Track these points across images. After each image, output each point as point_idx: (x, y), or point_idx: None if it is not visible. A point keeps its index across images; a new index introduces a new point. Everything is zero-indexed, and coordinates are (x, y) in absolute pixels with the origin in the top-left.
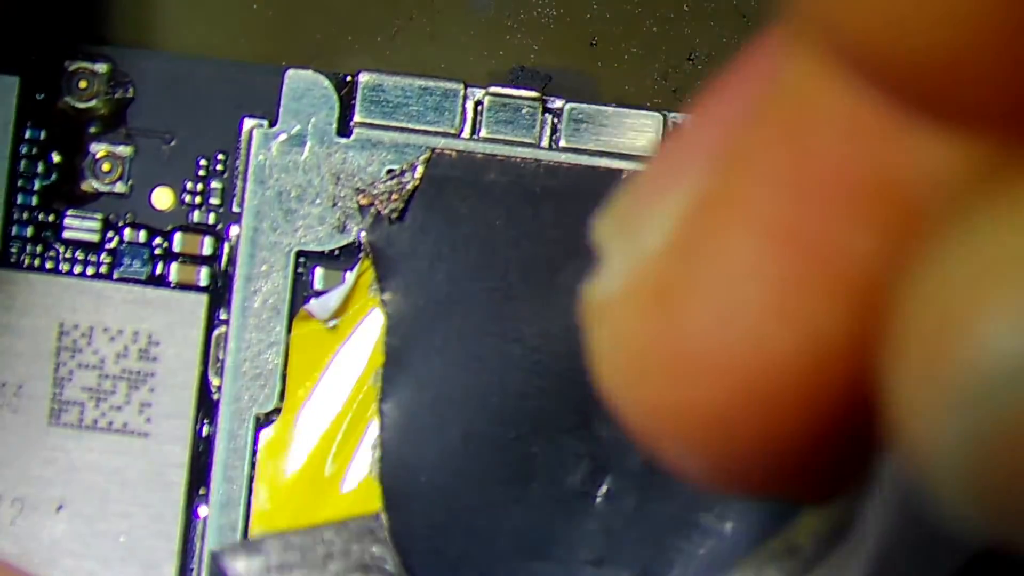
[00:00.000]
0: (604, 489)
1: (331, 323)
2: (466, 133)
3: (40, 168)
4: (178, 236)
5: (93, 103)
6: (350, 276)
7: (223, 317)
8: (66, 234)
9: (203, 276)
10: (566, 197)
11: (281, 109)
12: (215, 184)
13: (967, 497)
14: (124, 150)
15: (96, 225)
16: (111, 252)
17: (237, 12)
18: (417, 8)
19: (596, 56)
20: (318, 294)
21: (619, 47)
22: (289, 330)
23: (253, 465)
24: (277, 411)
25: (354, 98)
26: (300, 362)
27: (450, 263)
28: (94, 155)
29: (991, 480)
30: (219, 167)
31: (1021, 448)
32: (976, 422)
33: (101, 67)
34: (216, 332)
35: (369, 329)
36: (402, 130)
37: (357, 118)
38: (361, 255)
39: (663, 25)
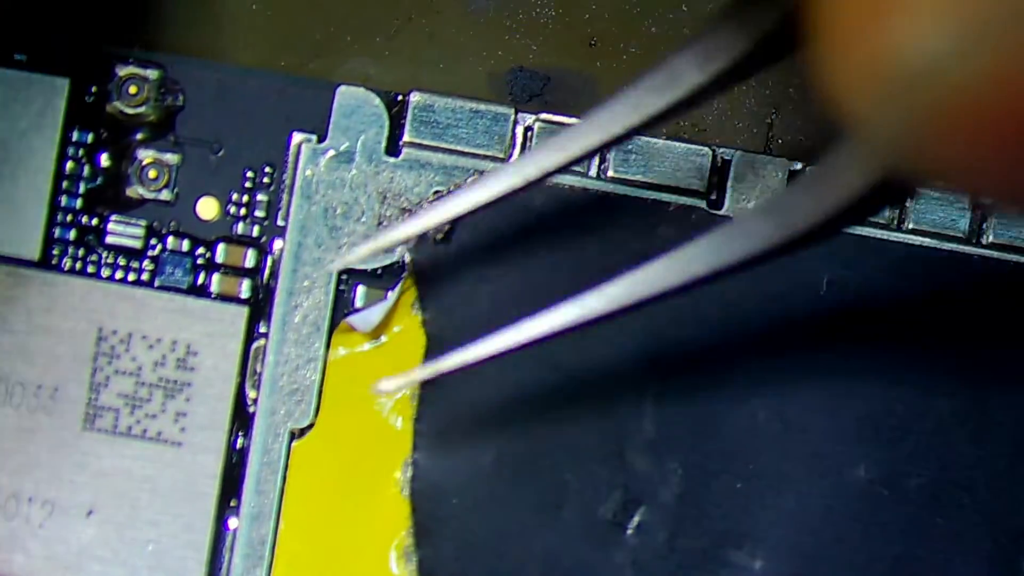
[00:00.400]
0: (636, 521)
1: (371, 340)
2: (515, 158)
3: (86, 171)
4: (221, 247)
5: (142, 109)
6: (392, 294)
7: (262, 330)
8: (109, 239)
9: (244, 288)
10: (611, 227)
11: (331, 125)
12: (261, 197)
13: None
14: (171, 158)
15: (139, 232)
16: (153, 260)
17: (234, 14)
18: (416, 9)
19: (596, 56)
20: (358, 311)
21: (618, 47)
22: (328, 346)
23: (286, 480)
24: (311, 426)
25: (404, 117)
26: (337, 382)
27: (492, 286)
28: (141, 161)
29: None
30: (266, 180)
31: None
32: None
33: (152, 73)
34: (255, 345)
35: (409, 351)
36: (451, 152)
37: (406, 138)
38: (404, 274)
39: (663, 25)
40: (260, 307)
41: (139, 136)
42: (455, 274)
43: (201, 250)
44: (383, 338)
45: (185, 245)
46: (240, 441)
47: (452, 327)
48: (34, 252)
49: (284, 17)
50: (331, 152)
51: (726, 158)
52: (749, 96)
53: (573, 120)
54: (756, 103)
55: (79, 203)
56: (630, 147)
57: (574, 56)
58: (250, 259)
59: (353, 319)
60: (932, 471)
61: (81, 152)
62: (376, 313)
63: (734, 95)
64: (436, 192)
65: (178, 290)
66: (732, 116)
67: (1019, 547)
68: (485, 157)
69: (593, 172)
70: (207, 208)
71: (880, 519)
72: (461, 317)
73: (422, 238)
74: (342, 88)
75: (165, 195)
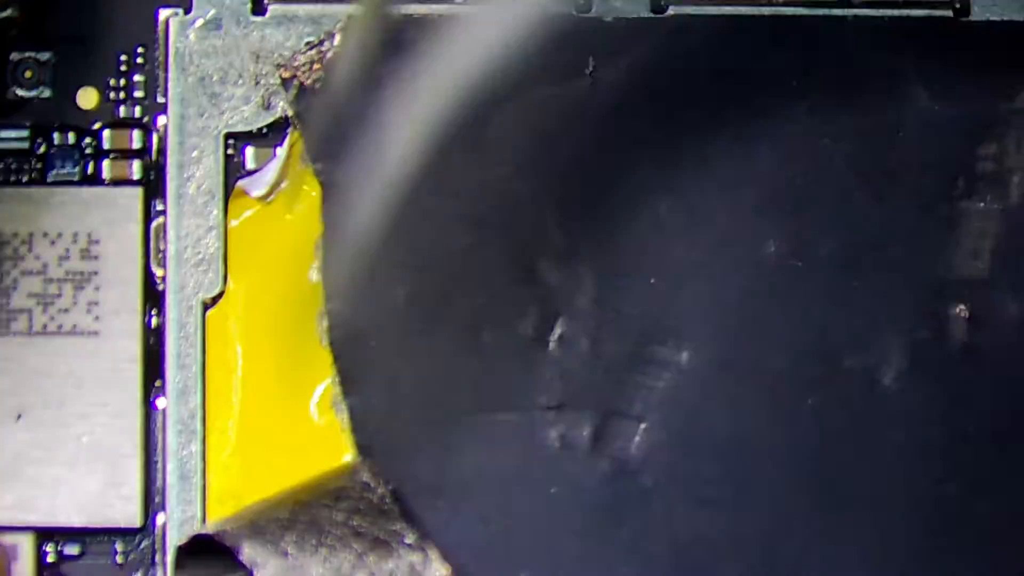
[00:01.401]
0: (556, 333)
1: (268, 199)
2: None
3: None
4: (107, 133)
5: (8, 12)
6: (281, 150)
7: (160, 208)
8: None
9: (136, 169)
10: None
11: None
12: (138, 78)
13: None
14: (44, 56)
15: (24, 133)
16: (42, 157)
17: None
18: None
19: None
20: (250, 174)
21: None
22: (226, 212)
23: (205, 351)
24: (222, 294)
25: None
26: (240, 246)
27: (377, 126)
28: (15, 63)
29: None
30: (139, 60)
31: None
32: None
33: None
34: (155, 223)
35: (305, 202)
36: (317, 1)
37: None
38: (289, 129)
39: None
40: (154, 185)
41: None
42: (338, 119)
43: (88, 140)
44: (277, 192)
45: (71, 138)
46: (155, 320)
47: (344, 172)
48: None
49: None
50: (199, 21)
51: None
52: None
53: None
54: None
55: None
56: None
57: None
58: (136, 140)
59: (245, 183)
60: (841, 235)
61: None
62: (268, 173)
63: None
64: (308, 43)
65: (71, 183)
66: None
67: (941, 297)
68: (351, 1)
69: None
70: (87, 98)
71: (798, 291)
72: (351, 161)
73: (301, 90)
74: None
75: (45, 92)
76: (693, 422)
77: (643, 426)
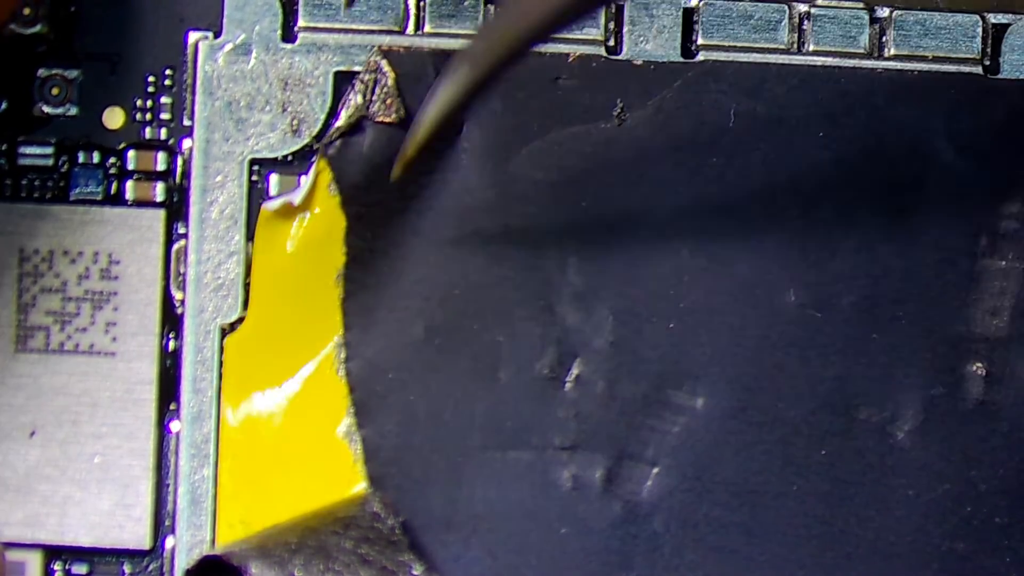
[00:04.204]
0: (573, 374)
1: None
2: (410, 29)
3: None
4: (132, 153)
5: (38, 28)
6: (307, 178)
7: (181, 231)
8: (21, 161)
9: (159, 191)
10: (526, 89)
11: (225, 19)
12: (165, 99)
13: None
14: (72, 73)
15: (49, 150)
16: (66, 175)
17: None
18: None
19: None
20: (274, 199)
21: None
22: (249, 238)
23: (221, 376)
24: (242, 320)
25: (296, 3)
26: (264, 275)
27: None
28: (43, 79)
29: None
30: (167, 83)
31: None
32: None
33: None
34: (176, 246)
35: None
36: (346, 31)
37: (301, 23)
38: (316, 156)
39: None
40: (177, 208)
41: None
42: (367, 156)
43: (112, 159)
44: (305, 217)
45: (96, 157)
46: (172, 343)
47: (370, 205)
48: None
49: None
50: (228, 46)
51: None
52: None
53: None
54: None
55: None
56: None
57: None
58: (161, 162)
59: (271, 204)
60: (862, 288)
61: None
62: (295, 195)
63: None
64: (337, 72)
65: (94, 202)
66: None
67: (959, 354)
68: (381, 32)
69: None
70: (113, 117)
71: (816, 342)
72: (378, 194)
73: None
74: None
75: (71, 110)
76: (705, 468)
77: (655, 470)
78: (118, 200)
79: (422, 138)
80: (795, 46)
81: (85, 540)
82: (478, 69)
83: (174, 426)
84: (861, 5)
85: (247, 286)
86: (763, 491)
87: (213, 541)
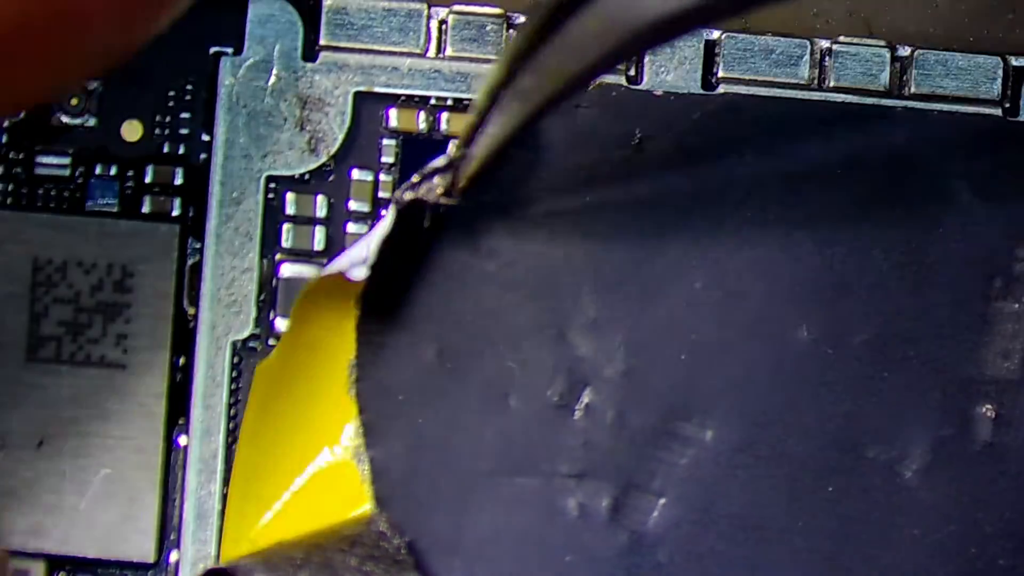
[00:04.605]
0: (583, 402)
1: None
2: (432, 52)
3: None
4: (150, 167)
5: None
6: (376, 232)
7: (196, 246)
8: (38, 171)
9: (176, 206)
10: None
11: (247, 36)
12: (184, 114)
13: None
14: (92, 84)
15: (67, 161)
16: (82, 186)
17: None
18: None
19: None
20: (290, 219)
21: None
22: (263, 255)
23: (232, 392)
24: (254, 336)
25: (319, 22)
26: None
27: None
28: None
29: None
30: (188, 98)
31: None
32: None
33: None
34: (190, 261)
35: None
36: (367, 52)
37: (323, 42)
38: (388, 209)
39: None
40: (192, 223)
41: None
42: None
43: (130, 172)
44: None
45: (113, 169)
46: (183, 358)
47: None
48: None
49: None
50: (249, 62)
51: None
52: None
53: (487, 10)
54: None
55: (5, 138)
56: None
57: None
58: (179, 177)
59: (341, 265)
60: (875, 326)
61: None
62: (366, 251)
63: None
64: (357, 93)
65: (109, 214)
66: None
67: (968, 395)
68: (402, 54)
69: None
70: (132, 130)
71: (827, 378)
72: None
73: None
74: None
75: (90, 121)
76: (712, 501)
77: (662, 501)
78: (134, 213)
79: (474, 171)
80: (816, 82)
81: (89, 551)
82: (530, 105)
83: (182, 440)
84: (883, 43)
85: (260, 303)
86: (769, 526)
87: (218, 556)
